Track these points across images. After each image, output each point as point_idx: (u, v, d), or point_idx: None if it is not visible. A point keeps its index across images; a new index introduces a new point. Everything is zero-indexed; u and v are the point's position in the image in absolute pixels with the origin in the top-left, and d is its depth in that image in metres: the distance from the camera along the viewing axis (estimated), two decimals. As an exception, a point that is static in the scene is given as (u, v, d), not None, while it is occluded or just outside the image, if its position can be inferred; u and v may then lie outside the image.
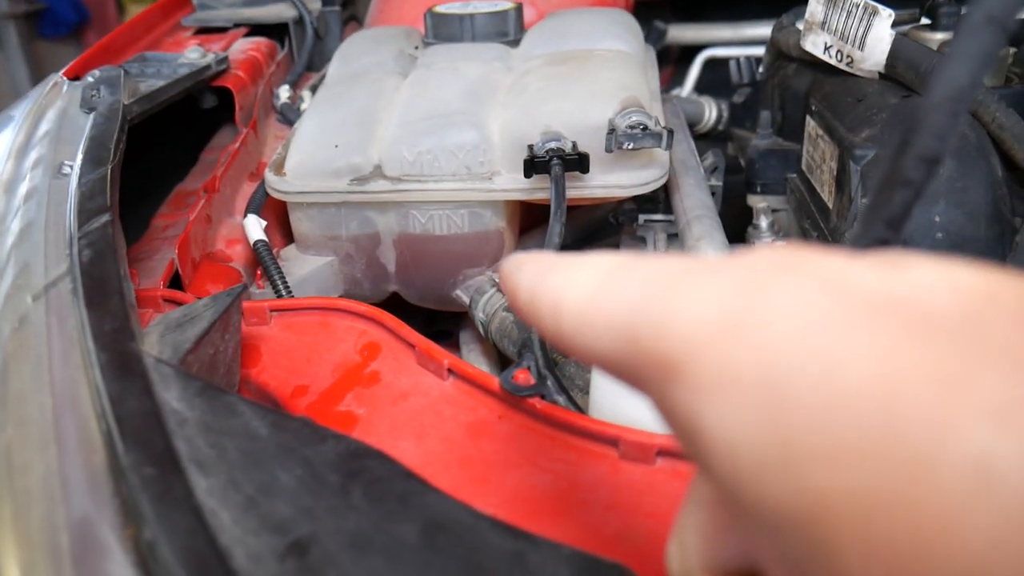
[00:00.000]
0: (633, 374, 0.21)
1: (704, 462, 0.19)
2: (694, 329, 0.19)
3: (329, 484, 0.39)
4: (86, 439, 0.38)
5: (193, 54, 0.91)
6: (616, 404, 0.50)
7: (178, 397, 0.42)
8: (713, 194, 0.89)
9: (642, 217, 0.88)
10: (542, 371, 0.55)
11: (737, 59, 1.11)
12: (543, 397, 0.51)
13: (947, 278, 0.17)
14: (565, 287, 0.24)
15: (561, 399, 0.53)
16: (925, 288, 0.17)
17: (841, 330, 0.17)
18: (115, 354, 0.42)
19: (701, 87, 1.45)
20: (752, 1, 1.48)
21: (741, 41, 1.48)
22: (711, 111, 1.17)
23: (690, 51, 1.53)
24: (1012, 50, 0.85)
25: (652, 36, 1.42)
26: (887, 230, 0.35)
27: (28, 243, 0.51)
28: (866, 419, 0.15)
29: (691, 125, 1.16)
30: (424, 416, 0.53)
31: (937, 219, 0.66)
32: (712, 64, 1.45)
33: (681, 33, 1.52)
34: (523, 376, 0.51)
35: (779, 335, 0.17)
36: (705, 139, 1.21)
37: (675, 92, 1.44)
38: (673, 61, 1.65)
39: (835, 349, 0.16)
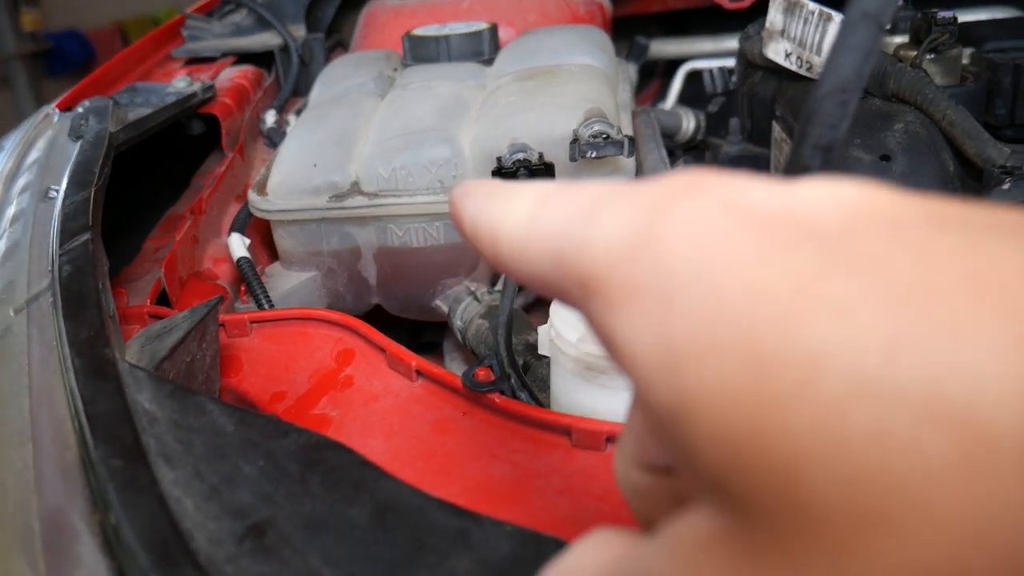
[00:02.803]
0: (564, 293, 0.23)
1: (622, 369, 0.21)
2: (607, 249, 0.20)
3: (289, 473, 0.42)
4: (60, 437, 0.41)
5: (181, 83, 0.95)
6: (571, 396, 0.53)
7: (150, 399, 0.45)
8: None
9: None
10: (505, 369, 0.57)
11: (711, 70, 1.14)
12: (503, 393, 0.53)
13: (833, 193, 0.19)
14: (502, 215, 0.26)
15: (523, 395, 0.56)
16: (811, 202, 0.18)
17: (726, 243, 0.18)
18: (89, 359, 0.45)
19: (684, 99, 1.48)
20: (732, 15, 1.51)
21: (722, 53, 1.50)
22: (689, 122, 1.20)
23: (674, 65, 1.56)
24: (969, 50, 0.87)
25: (634, 51, 1.45)
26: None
27: (13, 262, 0.54)
28: (731, 322, 0.17)
29: (670, 136, 1.18)
30: (393, 415, 0.56)
31: (891, 214, 0.69)
32: (694, 76, 1.48)
33: (664, 48, 1.55)
34: (483, 373, 0.54)
35: (675, 250, 0.19)
36: (687, 149, 1.24)
37: (659, 105, 1.47)
38: (659, 75, 1.68)
39: (717, 260, 0.18)
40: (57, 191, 0.63)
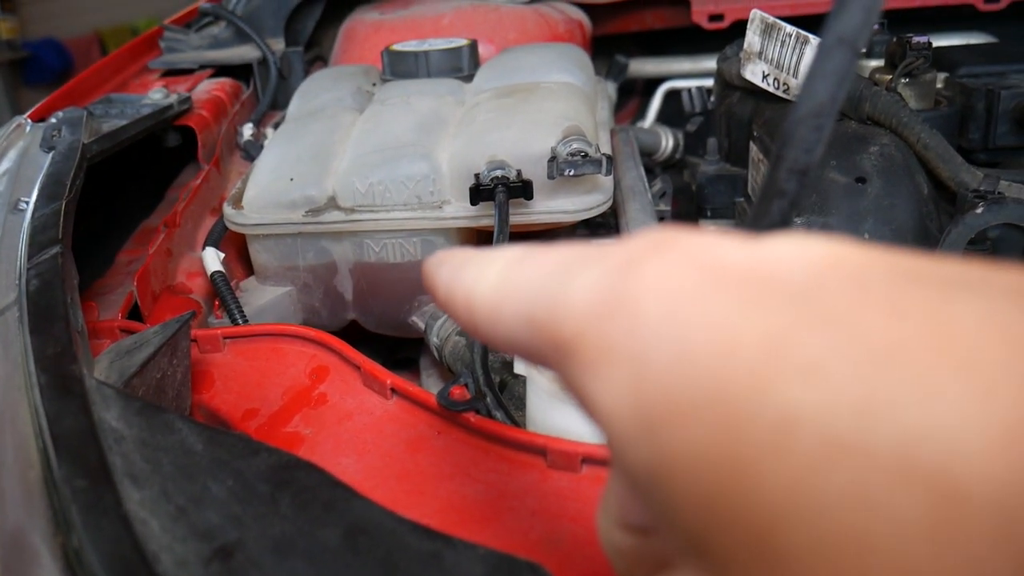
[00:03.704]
0: (540, 356, 0.23)
1: (599, 429, 0.21)
2: (579, 311, 0.21)
3: (259, 494, 0.41)
4: (23, 456, 0.40)
5: (156, 95, 0.94)
6: (547, 416, 0.52)
7: (117, 416, 0.44)
8: (662, 219, 0.91)
9: (595, 243, 0.90)
10: (481, 388, 0.57)
11: (689, 89, 1.15)
12: (478, 412, 0.53)
13: (801, 250, 0.19)
14: (475, 281, 0.26)
15: (499, 414, 0.55)
16: (779, 259, 0.19)
17: (696, 302, 0.18)
18: (55, 376, 0.44)
19: (662, 118, 1.49)
20: (711, 35, 1.52)
21: (700, 73, 1.52)
22: (667, 140, 1.20)
23: (654, 84, 1.57)
24: (943, 75, 0.89)
25: (614, 70, 1.46)
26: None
27: (-20, 274, 0.53)
28: (703, 383, 0.17)
29: (649, 154, 1.19)
30: (367, 434, 0.55)
31: (866, 236, 0.69)
32: (672, 96, 1.49)
33: (643, 67, 1.56)
34: (459, 392, 0.53)
35: (645, 310, 0.19)
36: (665, 168, 1.25)
37: (638, 124, 1.48)
38: (638, 94, 1.69)
39: (688, 320, 0.18)
40: (27, 203, 0.62)
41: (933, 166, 0.72)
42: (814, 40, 0.80)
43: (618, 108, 1.55)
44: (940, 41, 1.37)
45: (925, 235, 0.69)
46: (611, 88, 1.40)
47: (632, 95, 1.69)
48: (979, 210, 0.61)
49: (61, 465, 0.38)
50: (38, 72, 4.56)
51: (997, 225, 0.63)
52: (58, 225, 0.58)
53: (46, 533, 0.36)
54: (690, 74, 1.53)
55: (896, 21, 1.36)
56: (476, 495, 0.47)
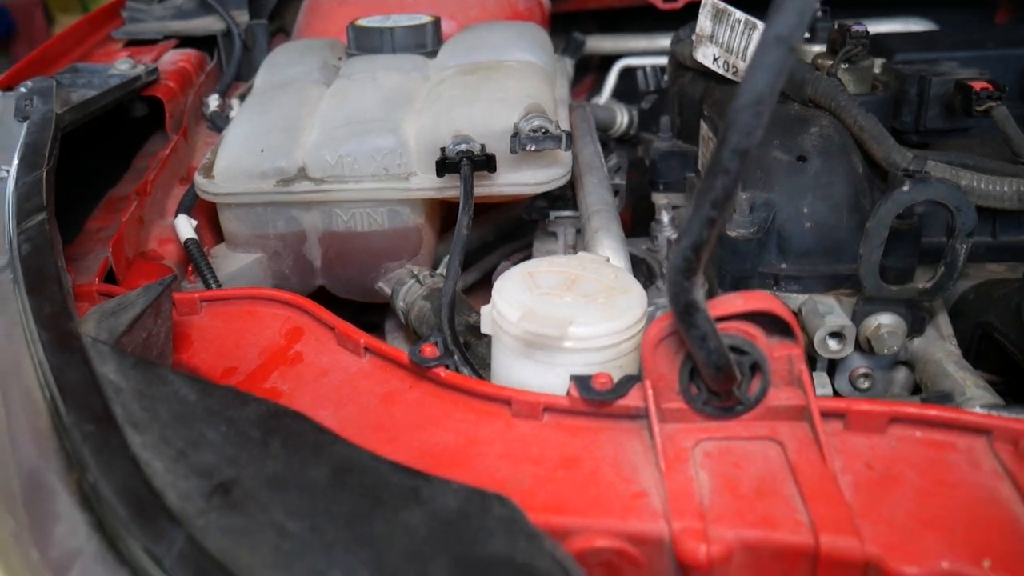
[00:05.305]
0: None
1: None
2: None
3: (251, 438, 0.45)
4: (31, 405, 0.43)
5: (123, 65, 0.95)
6: (511, 371, 0.57)
7: (114, 370, 0.47)
8: (616, 192, 0.96)
9: (553, 214, 0.95)
10: (449, 346, 0.61)
11: (644, 68, 1.19)
12: (447, 367, 0.57)
13: None
14: None
15: (466, 370, 0.60)
16: None
17: None
18: (55, 333, 0.47)
19: (618, 94, 1.54)
20: (666, 15, 1.57)
21: (655, 51, 1.56)
22: (623, 117, 1.25)
23: (610, 60, 1.62)
24: (880, 60, 0.95)
25: (571, 46, 1.50)
26: (713, 210, 0.42)
27: (-31, 239, 0.55)
28: None
29: (605, 130, 1.24)
30: (343, 389, 0.59)
31: (806, 211, 0.75)
32: (627, 73, 1.54)
33: (600, 44, 1.60)
34: (429, 350, 0.57)
35: None
36: (620, 142, 1.30)
37: (594, 99, 1.52)
38: (594, 70, 1.74)
39: None
40: (7, 171, 0.64)
41: (868, 147, 0.77)
42: (761, 26, 0.85)
43: (575, 83, 1.59)
44: (883, 26, 1.45)
45: (859, 209, 0.75)
46: (568, 64, 1.44)
47: (589, 71, 1.73)
48: (905, 188, 0.67)
49: (69, 412, 0.41)
50: (-20, 36, 4.42)
51: (923, 201, 0.68)
52: (42, 193, 0.61)
53: (60, 472, 0.39)
54: (646, 52, 1.58)
55: (843, 5, 1.42)
56: (447, 442, 0.52)
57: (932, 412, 0.45)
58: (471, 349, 0.71)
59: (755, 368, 0.48)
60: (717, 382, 0.47)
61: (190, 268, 0.81)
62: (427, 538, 0.40)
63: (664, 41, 1.58)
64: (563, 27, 1.58)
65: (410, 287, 0.81)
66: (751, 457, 0.46)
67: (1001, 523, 0.40)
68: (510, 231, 1.05)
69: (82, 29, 1.09)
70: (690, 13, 1.39)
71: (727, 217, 0.65)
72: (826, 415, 0.47)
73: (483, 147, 0.77)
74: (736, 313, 0.48)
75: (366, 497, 0.41)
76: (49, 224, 0.57)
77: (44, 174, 0.63)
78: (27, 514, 0.37)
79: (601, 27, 1.68)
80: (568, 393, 0.51)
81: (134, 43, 1.12)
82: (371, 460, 0.44)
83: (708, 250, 0.43)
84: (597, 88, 1.63)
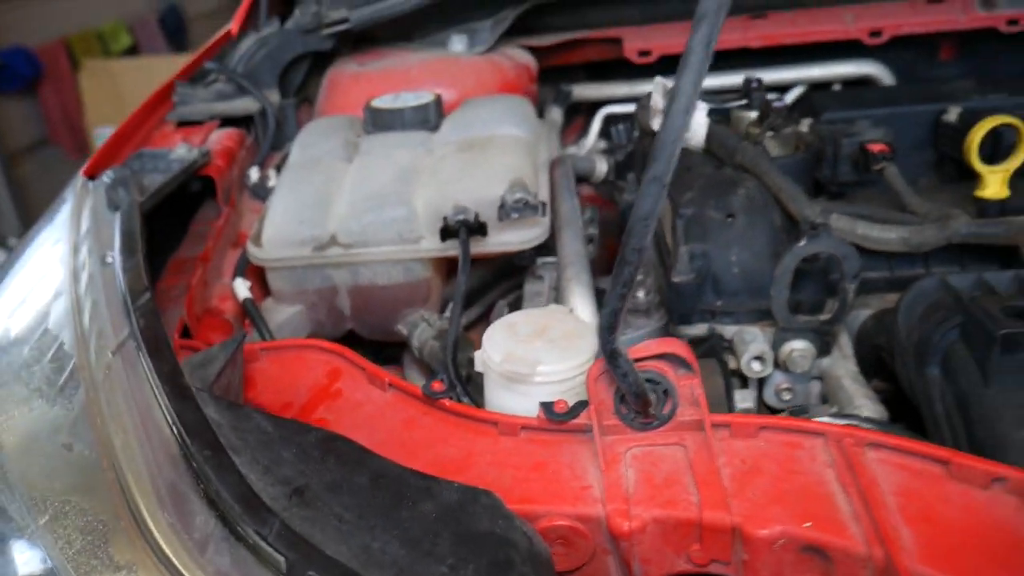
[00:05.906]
0: None
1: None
2: None
3: (313, 457, 0.65)
4: (163, 438, 0.63)
5: (181, 150, 1.15)
6: (497, 400, 0.76)
7: (214, 411, 0.67)
8: (591, 240, 1.16)
9: (539, 260, 1.15)
10: (452, 382, 0.80)
11: (617, 127, 1.39)
12: (451, 398, 0.76)
13: None
14: None
15: (466, 400, 0.79)
16: None
17: None
18: (173, 386, 0.67)
19: (603, 135, 1.73)
20: (648, 66, 1.76)
21: (636, 97, 1.75)
22: (602, 165, 1.44)
23: (597, 104, 1.81)
24: (807, 121, 1.13)
25: (560, 98, 1.69)
26: (624, 288, 0.62)
27: (98, 315, 0.75)
28: None
29: (585, 178, 1.43)
30: (373, 416, 0.79)
31: (734, 259, 0.94)
32: (611, 118, 1.73)
33: (585, 91, 1.80)
34: (438, 385, 0.77)
35: None
36: (603, 185, 1.49)
37: (581, 141, 1.71)
38: (583, 112, 1.93)
39: None
40: (113, 257, 0.85)
41: (785, 204, 0.96)
42: (702, 105, 1.04)
43: (565, 126, 1.78)
44: (836, 68, 1.63)
45: (776, 257, 0.94)
46: (557, 113, 1.64)
47: (579, 113, 1.93)
48: (802, 242, 0.85)
49: (192, 443, 0.61)
50: (8, 80, 4.67)
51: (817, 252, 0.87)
52: (142, 275, 0.81)
53: (191, 483, 0.59)
54: (627, 98, 1.77)
55: (798, 53, 1.60)
56: (451, 455, 0.71)
57: (788, 422, 0.65)
58: (471, 380, 0.91)
59: (667, 393, 0.67)
60: (638, 405, 0.66)
61: (246, 321, 1.01)
62: (436, 521, 0.60)
63: (645, 86, 1.77)
64: (555, 76, 1.77)
65: (423, 329, 1.01)
66: (664, 458, 0.66)
67: (823, 498, 0.59)
68: (506, 272, 1.25)
69: (140, 115, 1.29)
70: (664, 65, 1.58)
71: (634, 292, 0.85)
72: (716, 426, 0.66)
73: (477, 215, 0.97)
74: (652, 355, 0.67)
75: (395, 494, 0.61)
76: (154, 300, 0.77)
77: (141, 259, 0.84)
78: (175, 512, 0.57)
79: (589, 74, 1.87)
80: (538, 416, 0.71)
81: (184, 124, 1.32)
82: (397, 468, 0.63)
83: (623, 314, 0.62)
84: (585, 129, 1.83)
